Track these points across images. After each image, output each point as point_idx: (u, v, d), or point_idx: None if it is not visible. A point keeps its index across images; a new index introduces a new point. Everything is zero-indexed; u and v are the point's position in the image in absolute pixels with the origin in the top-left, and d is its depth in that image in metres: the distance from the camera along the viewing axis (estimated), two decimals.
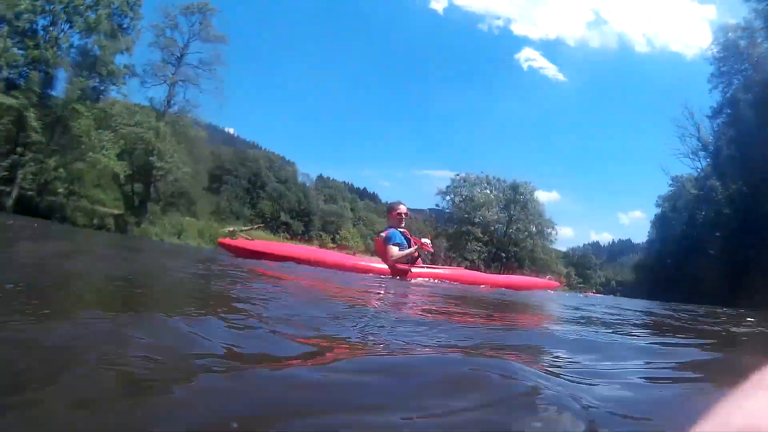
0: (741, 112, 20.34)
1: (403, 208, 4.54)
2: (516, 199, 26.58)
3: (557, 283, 6.86)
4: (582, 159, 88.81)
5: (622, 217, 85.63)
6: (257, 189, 37.79)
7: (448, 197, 27.87)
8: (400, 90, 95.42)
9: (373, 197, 61.63)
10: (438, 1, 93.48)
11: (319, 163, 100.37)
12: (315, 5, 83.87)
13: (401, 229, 4.42)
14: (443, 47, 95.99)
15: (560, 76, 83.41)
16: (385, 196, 68.84)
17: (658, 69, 74.58)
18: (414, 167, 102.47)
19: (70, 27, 17.05)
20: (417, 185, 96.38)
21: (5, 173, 15.51)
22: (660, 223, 24.41)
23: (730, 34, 21.79)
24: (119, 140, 16.95)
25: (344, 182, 56.52)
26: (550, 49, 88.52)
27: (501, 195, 26.96)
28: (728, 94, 22.19)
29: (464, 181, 27.30)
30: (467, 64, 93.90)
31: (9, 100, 14.77)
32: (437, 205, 28.56)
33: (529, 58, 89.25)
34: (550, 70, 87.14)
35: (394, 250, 4.16)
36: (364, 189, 63.18)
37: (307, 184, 45.52)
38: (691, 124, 22.33)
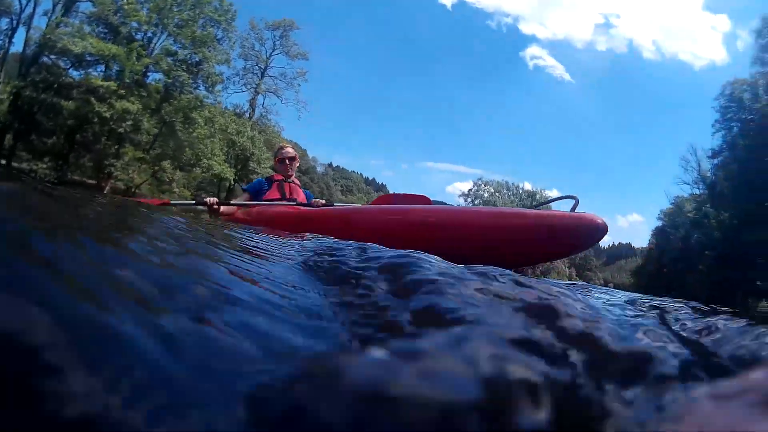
0: (737, 155, 24.16)
1: (287, 152, 3.55)
2: (531, 205, 29.80)
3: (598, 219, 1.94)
4: (582, 159, 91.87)
5: (621, 219, 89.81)
6: None
7: (468, 199, 30.87)
8: (407, 82, 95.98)
9: (382, 188, 62.67)
10: None
11: (326, 149, 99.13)
12: None
13: (278, 177, 3.48)
14: (450, 42, 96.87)
15: (566, 76, 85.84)
16: (393, 187, 70.22)
17: (665, 77, 77.54)
18: (417, 159, 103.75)
19: (169, 36, 18.44)
20: (420, 177, 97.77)
21: (116, 171, 17.06)
22: (660, 235, 28.31)
23: (735, 86, 25.55)
24: (222, 146, 18.62)
25: (353, 171, 57.45)
26: (557, 48, 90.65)
27: (518, 201, 30.18)
28: (728, 138, 26.04)
29: (485, 185, 30.47)
30: (474, 60, 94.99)
31: (132, 106, 16.28)
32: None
33: (535, 55, 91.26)
34: (557, 69, 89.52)
35: (242, 197, 3.51)
36: (373, 179, 63.73)
37: (320, 172, 46.36)
38: (693, 160, 26.10)
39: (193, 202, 3.55)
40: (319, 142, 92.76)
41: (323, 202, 3.21)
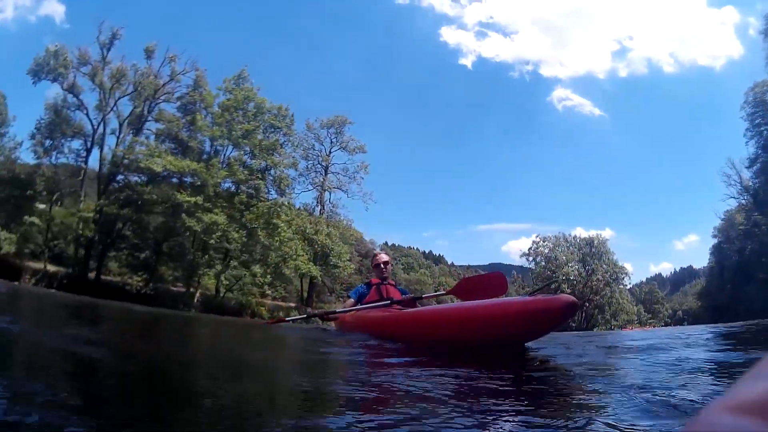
0: None
1: (381, 258, 4.12)
2: (591, 252, 30.58)
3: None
4: (628, 190, 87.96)
5: (678, 243, 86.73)
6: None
7: (530, 257, 31.73)
8: (444, 149, 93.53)
9: (440, 259, 60.88)
10: (466, 57, 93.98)
11: (378, 228, 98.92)
12: (354, 70, 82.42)
13: (375, 281, 3.99)
14: (478, 101, 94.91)
15: (596, 111, 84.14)
16: (450, 257, 69.12)
17: (690, 87, 74.42)
18: (468, 223, 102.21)
19: (236, 147, 19.78)
20: (476, 241, 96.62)
21: (213, 280, 18.27)
22: (717, 252, 28.60)
23: (757, 90, 26.22)
24: (304, 245, 19.73)
25: (409, 248, 56.43)
26: (581, 85, 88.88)
27: (578, 251, 30.84)
28: (761, 143, 26.53)
29: (543, 241, 31.18)
30: (505, 113, 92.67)
31: (219, 218, 17.51)
32: (522, 266, 33.15)
33: (561, 97, 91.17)
34: (585, 106, 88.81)
35: (347, 302, 4.13)
36: (430, 252, 63.13)
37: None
38: (734, 173, 26.68)
39: (305, 316, 4.50)
40: (371, 222, 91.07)
41: (412, 295, 3.82)
